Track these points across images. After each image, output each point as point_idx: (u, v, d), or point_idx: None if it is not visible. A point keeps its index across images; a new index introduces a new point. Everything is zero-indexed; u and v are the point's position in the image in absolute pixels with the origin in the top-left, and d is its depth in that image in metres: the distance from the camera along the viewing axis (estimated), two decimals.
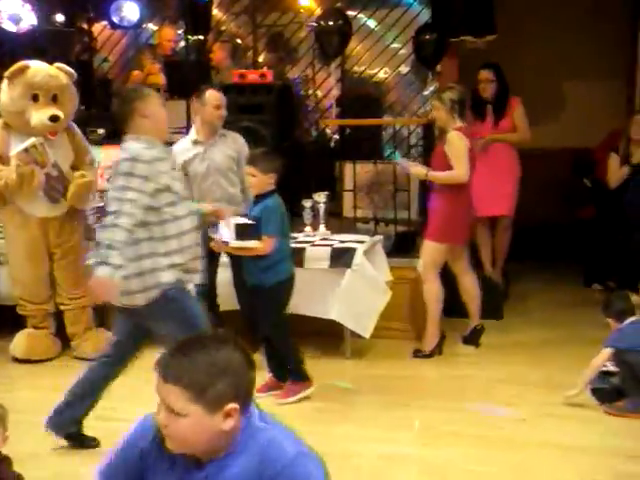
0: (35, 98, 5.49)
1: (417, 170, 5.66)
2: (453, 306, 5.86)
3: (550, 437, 4.41)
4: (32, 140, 5.39)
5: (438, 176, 5.48)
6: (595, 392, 4.81)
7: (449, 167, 5.42)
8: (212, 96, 5.47)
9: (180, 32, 8.47)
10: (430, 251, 5.58)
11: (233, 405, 2.08)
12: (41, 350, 5.75)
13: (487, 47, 7.21)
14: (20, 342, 5.74)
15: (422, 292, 5.70)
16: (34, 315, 5.78)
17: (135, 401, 4.27)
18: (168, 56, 8.23)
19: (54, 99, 5.52)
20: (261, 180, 4.80)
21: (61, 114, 5.50)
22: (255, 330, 5.00)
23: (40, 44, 7.67)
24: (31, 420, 4.47)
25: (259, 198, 4.85)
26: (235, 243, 4.78)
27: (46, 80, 5.50)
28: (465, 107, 5.71)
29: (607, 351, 4.72)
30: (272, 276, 4.83)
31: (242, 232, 4.76)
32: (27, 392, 5.18)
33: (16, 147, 5.47)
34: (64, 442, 4.30)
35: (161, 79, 8.25)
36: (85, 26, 8.61)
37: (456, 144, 5.41)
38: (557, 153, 8.37)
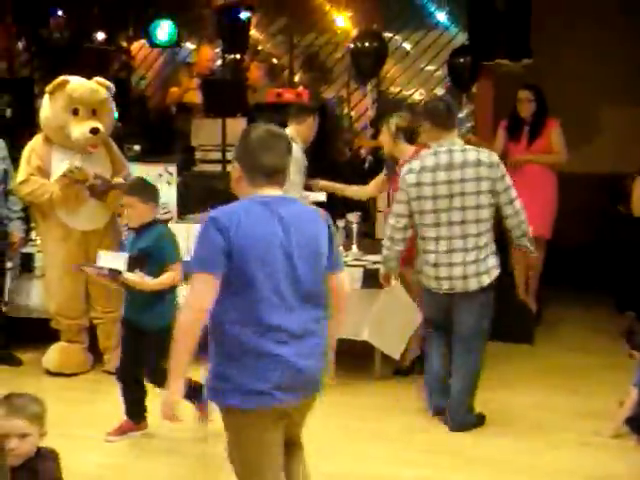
0: (75, 112, 5.56)
1: None
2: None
3: (581, 466, 4.36)
4: (67, 165, 5.47)
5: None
6: (629, 421, 4.74)
7: None
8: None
9: (217, 51, 8.55)
10: None
11: None
12: (74, 364, 5.79)
13: (522, 70, 7.20)
14: (53, 356, 5.79)
15: None
16: (68, 329, 5.81)
17: None
18: (205, 75, 8.31)
19: (93, 113, 5.60)
20: (142, 210, 4.56)
21: (101, 127, 5.57)
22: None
23: (79, 61, 7.80)
24: (61, 433, 4.51)
25: (141, 230, 4.58)
26: (132, 276, 4.47)
27: (86, 94, 5.57)
28: (413, 135, 5.50)
29: (636, 392, 4.65)
30: (159, 319, 4.41)
31: (134, 264, 4.48)
32: (58, 405, 5.19)
33: (56, 166, 5.56)
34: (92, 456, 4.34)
35: (197, 97, 8.33)
36: (124, 44, 8.75)
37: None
38: (591, 178, 8.31)
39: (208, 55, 8.45)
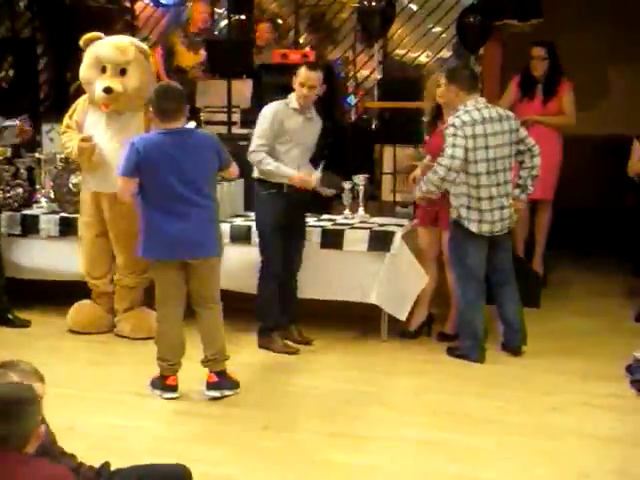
0: (103, 70, 5.54)
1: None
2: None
3: (586, 427, 4.37)
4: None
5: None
6: (634, 383, 4.74)
7: None
8: (301, 73, 5.35)
9: (222, 11, 8.42)
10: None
11: None
12: (90, 323, 5.82)
13: (532, 31, 7.11)
14: (73, 314, 5.85)
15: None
16: (94, 289, 5.86)
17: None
18: (204, 33, 8.15)
19: (122, 73, 5.53)
20: None
21: (118, 87, 5.47)
22: None
23: (82, 21, 7.71)
24: (66, 393, 4.54)
25: None
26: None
27: (112, 53, 5.52)
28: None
29: None
30: None
31: None
32: (70, 366, 5.23)
33: (88, 123, 5.63)
34: (97, 416, 4.36)
35: (189, 58, 8.16)
36: (127, 4, 8.63)
37: None
38: (600, 139, 8.24)
39: (201, 9, 8.26)
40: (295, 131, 5.35)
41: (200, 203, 4.60)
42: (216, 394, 4.66)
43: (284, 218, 5.27)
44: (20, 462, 2.42)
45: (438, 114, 5.52)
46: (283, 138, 5.33)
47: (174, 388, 4.70)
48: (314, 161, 5.53)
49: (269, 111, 5.32)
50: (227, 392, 4.69)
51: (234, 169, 4.90)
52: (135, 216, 5.23)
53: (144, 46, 5.71)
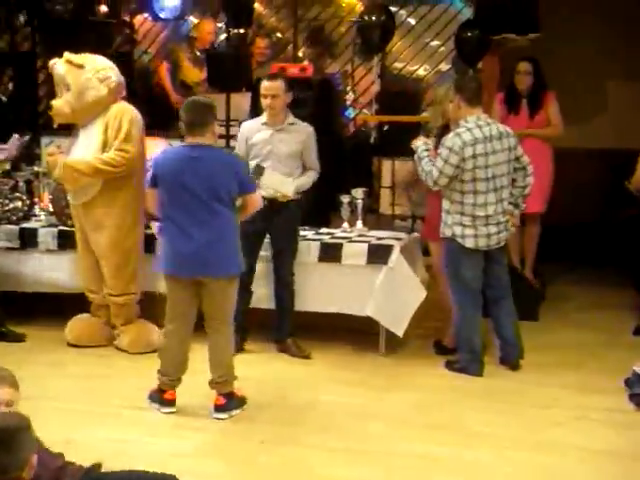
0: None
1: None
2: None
3: (583, 441, 4.36)
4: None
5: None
6: (633, 397, 4.74)
7: None
8: (262, 85, 5.49)
9: (221, 25, 8.46)
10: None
11: None
12: (88, 337, 5.82)
13: (529, 44, 7.14)
14: (71, 327, 5.85)
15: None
16: (92, 303, 5.86)
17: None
18: (208, 49, 8.22)
19: (67, 88, 5.60)
20: None
21: (56, 102, 5.61)
22: None
23: (81, 35, 7.73)
24: (65, 407, 4.53)
25: None
26: None
27: (53, 71, 5.67)
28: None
29: None
30: None
31: None
32: (67, 380, 5.21)
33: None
34: (95, 430, 4.35)
35: (195, 74, 8.23)
36: (127, 18, 8.67)
37: None
38: (597, 153, 8.26)
39: (209, 28, 8.34)
40: (263, 145, 5.47)
41: (211, 221, 4.49)
42: (224, 416, 4.61)
43: (249, 225, 5.08)
44: None
45: (446, 130, 5.44)
46: (253, 153, 5.50)
47: (172, 402, 4.69)
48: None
49: (240, 130, 5.64)
50: (235, 412, 4.66)
51: (253, 199, 4.65)
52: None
53: (77, 60, 5.62)
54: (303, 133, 5.57)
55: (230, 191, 4.51)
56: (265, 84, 5.45)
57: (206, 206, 4.46)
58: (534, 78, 6.65)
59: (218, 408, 4.63)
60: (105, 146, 5.51)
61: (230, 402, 4.65)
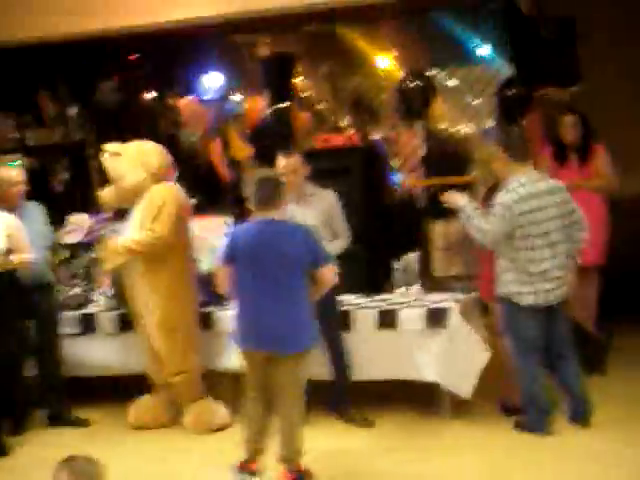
0: None
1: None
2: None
3: None
4: None
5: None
6: None
7: None
8: (278, 163, 5.51)
9: (264, 102, 8.62)
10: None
11: None
12: (151, 419, 5.83)
13: (571, 98, 7.13)
14: (133, 411, 5.86)
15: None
16: (154, 384, 5.87)
17: None
18: (254, 126, 8.38)
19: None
20: None
21: (102, 192, 5.91)
22: None
23: (130, 122, 7.96)
24: None
25: None
26: None
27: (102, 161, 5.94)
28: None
29: None
30: None
31: None
32: (132, 461, 5.21)
33: None
34: None
35: (244, 151, 8.38)
36: (172, 102, 8.90)
37: None
38: None
39: (259, 105, 8.51)
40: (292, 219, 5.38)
41: (283, 298, 4.49)
42: None
43: None
44: None
45: (494, 189, 5.39)
46: None
47: (257, 472, 4.65)
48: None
49: None
50: None
51: (327, 273, 4.59)
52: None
53: (115, 149, 5.80)
54: (325, 201, 5.58)
55: (304, 264, 4.52)
56: (281, 163, 5.46)
57: (281, 281, 4.48)
58: (582, 129, 6.62)
59: None
60: (142, 227, 5.62)
61: (299, 478, 4.59)
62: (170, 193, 5.67)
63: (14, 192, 5.78)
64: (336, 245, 5.58)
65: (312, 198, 5.58)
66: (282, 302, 4.48)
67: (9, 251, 5.12)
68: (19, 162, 6.34)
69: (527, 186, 5.09)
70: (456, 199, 5.35)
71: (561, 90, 7.02)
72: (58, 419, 5.96)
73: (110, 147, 5.78)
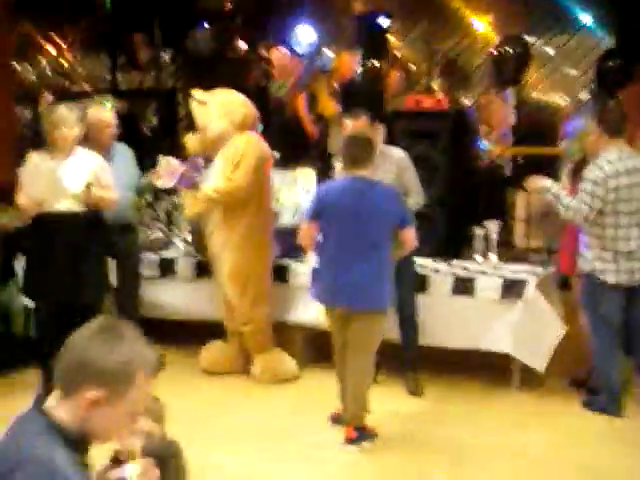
0: None
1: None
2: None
3: None
4: None
5: None
6: None
7: None
8: (345, 125, 5.30)
9: (357, 58, 8.55)
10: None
11: None
12: (222, 364, 5.92)
13: None
14: (206, 354, 5.97)
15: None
16: (227, 330, 5.95)
17: None
18: (343, 83, 8.32)
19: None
20: None
21: (187, 138, 5.97)
22: None
23: (221, 71, 8.00)
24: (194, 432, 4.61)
25: None
26: None
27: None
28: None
29: None
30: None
31: None
32: (190, 406, 5.31)
33: None
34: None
35: (332, 107, 8.33)
36: (264, 53, 8.90)
37: None
38: None
39: (351, 61, 8.45)
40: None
41: (367, 256, 4.50)
42: (353, 449, 4.60)
43: None
44: None
45: (583, 164, 5.24)
46: None
47: (370, 434, 4.69)
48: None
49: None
50: (365, 444, 4.64)
51: (410, 234, 4.61)
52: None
53: (201, 97, 5.77)
54: (393, 160, 5.38)
55: (392, 223, 4.55)
56: (349, 123, 5.22)
57: (368, 238, 4.51)
58: None
59: (350, 441, 4.61)
60: (222, 175, 5.64)
61: (362, 435, 4.62)
62: (251, 144, 5.67)
63: (105, 133, 5.84)
64: (409, 202, 5.48)
65: (382, 157, 5.48)
66: (365, 259, 4.49)
67: (90, 186, 5.15)
68: (110, 104, 6.36)
69: (617, 163, 4.94)
70: (539, 183, 5.22)
71: None
72: None
73: (198, 94, 5.82)
